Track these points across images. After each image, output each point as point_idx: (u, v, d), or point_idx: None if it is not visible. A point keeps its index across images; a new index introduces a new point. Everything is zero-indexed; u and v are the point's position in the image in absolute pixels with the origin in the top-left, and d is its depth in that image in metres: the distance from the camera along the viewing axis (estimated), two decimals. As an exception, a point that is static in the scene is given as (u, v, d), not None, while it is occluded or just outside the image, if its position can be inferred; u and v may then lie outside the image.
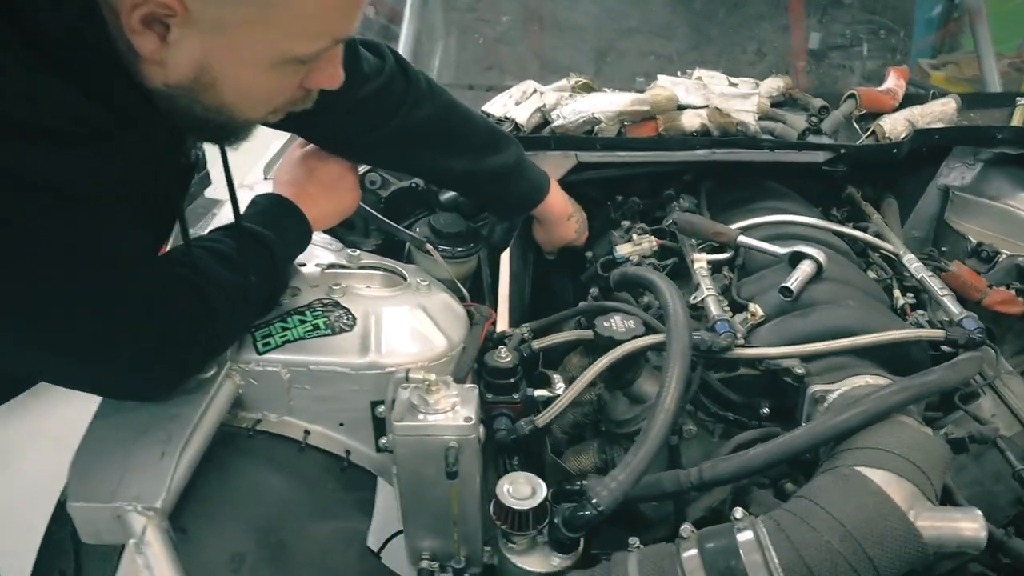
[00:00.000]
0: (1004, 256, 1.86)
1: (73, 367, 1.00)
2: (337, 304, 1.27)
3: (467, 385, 1.19)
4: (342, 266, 1.41)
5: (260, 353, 1.20)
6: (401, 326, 1.27)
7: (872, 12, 2.66)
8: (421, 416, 1.11)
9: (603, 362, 1.28)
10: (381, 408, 1.22)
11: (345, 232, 1.70)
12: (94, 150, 0.89)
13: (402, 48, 2.17)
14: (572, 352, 1.78)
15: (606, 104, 1.64)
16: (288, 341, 1.21)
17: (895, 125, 1.72)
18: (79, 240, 0.89)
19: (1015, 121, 1.87)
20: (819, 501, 1.09)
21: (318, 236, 1.49)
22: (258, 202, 1.34)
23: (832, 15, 2.47)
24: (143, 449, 1.05)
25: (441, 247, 1.50)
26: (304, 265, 1.39)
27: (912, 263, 1.58)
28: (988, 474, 1.42)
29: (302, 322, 1.23)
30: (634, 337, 1.30)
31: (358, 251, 1.43)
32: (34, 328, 0.91)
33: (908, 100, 1.86)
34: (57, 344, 0.94)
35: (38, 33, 0.82)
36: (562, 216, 1.69)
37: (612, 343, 1.30)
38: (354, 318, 1.25)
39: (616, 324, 1.33)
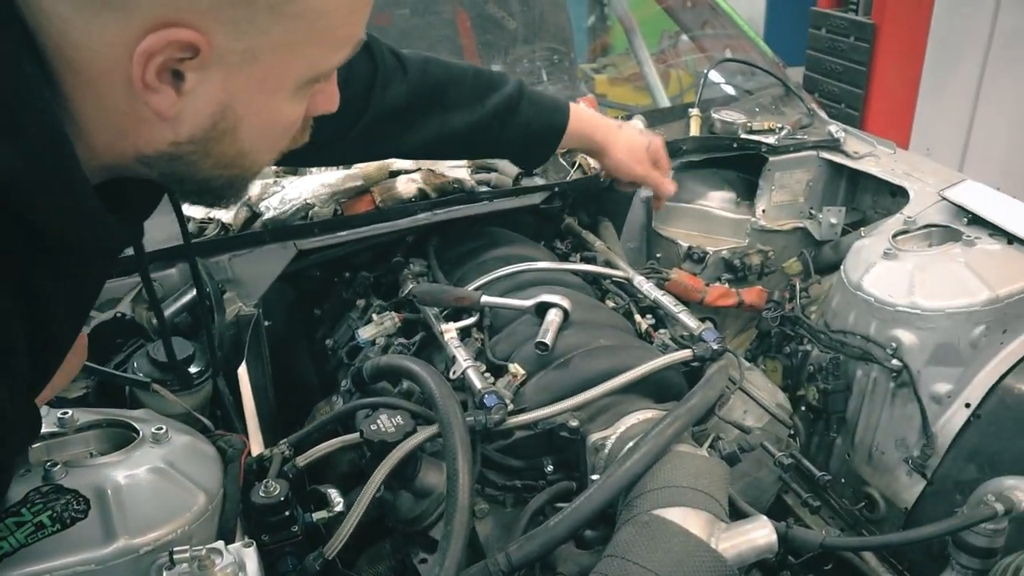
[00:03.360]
0: (711, 253, 2.02)
1: None
2: (60, 489, 1.06)
3: (241, 543, 1.05)
4: (55, 434, 1.20)
5: (-28, 579, 0.97)
6: (146, 492, 1.09)
7: (534, 40, 2.79)
8: (198, 600, 0.96)
9: (383, 471, 1.19)
10: (144, 597, 1.05)
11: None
12: None
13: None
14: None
15: (317, 187, 1.54)
16: (6, 554, 0.99)
17: (597, 155, 1.78)
18: None
19: (692, 131, 2.02)
20: (630, 556, 1.09)
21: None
22: None
23: (505, 50, 2.54)
24: None
25: (169, 382, 1.33)
26: (4, 447, 1.16)
27: (643, 285, 1.64)
28: (751, 463, 1.52)
29: (19, 525, 1.02)
30: (406, 435, 1.22)
31: (70, 411, 1.22)
32: None
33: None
34: None
35: None
36: (605, 127, 1.57)
37: (385, 447, 1.21)
38: (86, 500, 1.05)
39: (384, 424, 1.24)
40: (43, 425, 1.21)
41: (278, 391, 1.77)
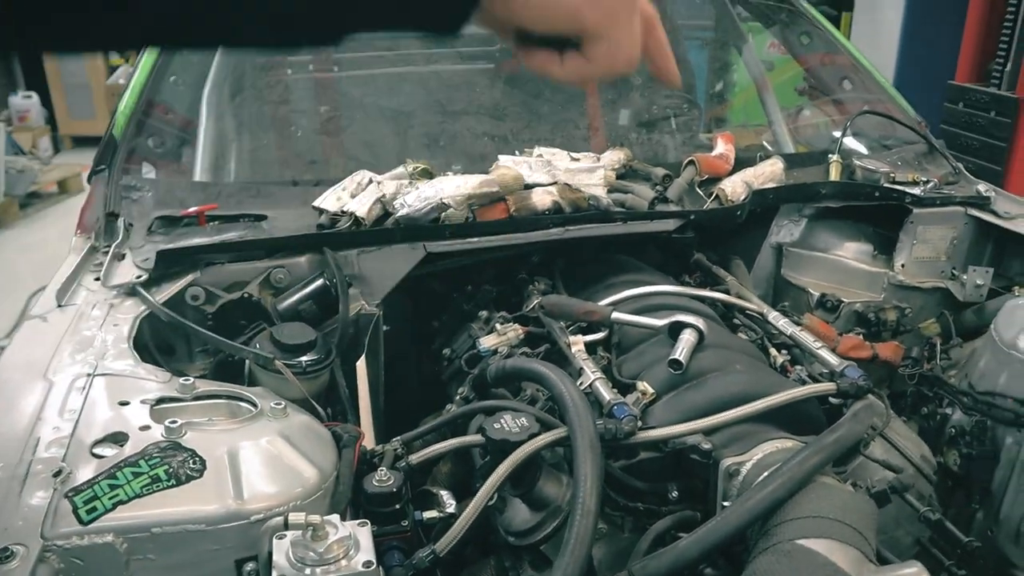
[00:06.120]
0: (845, 303, 1.91)
1: None
2: (178, 446, 1.04)
3: (356, 521, 0.99)
4: (174, 399, 1.18)
5: (85, 523, 0.94)
6: (262, 462, 1.05)
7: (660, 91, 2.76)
8: (310, 570, 0.91)
9: (504, 467, 1.12)
10: (250, 566, 1.00)
11: (166, 359, 1.45)
12: None
13: (201, 149, 1.95)
14: (440, 461, 1.61)
15: (453, 188, 1.52)
16: (121, 502, 0.96)
17: (735, 187, 1.72)
18: None
19: (832, 176, 1.94)
20: (769, 587, 0.99)
21: (140, 367, 1.25)
22: None
23: (638, 92, 2.51)
24: None
25: (289, 363, 1.30)
26: (127, 404, 1.14)
27: (779, 320, 1.55)
28: (889, 519, 1.39)
29: (136, 475, 0.99)
30: (531, 436, 1.16)
31: (191, 379, 1.20)
32: None
33: (737, 163, 1.88)
34: None
35: None
36: None
37: (508, 446, 1.15)
38: (202, 460, 1.03)
39: (508, 424, 1.18)
40: (163, 389, 1.20)
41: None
